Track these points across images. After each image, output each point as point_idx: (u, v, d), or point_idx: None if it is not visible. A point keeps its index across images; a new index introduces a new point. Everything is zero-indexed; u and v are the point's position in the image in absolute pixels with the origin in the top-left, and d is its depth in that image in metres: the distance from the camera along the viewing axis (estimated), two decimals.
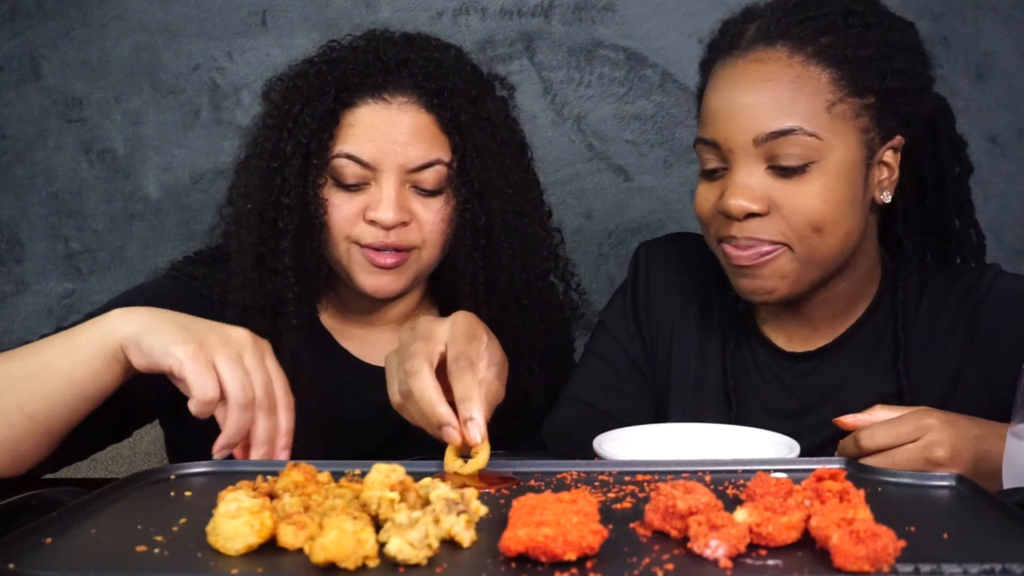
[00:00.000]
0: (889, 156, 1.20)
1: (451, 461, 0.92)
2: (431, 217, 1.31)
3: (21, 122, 2.07)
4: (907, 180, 1.26)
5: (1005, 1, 1.95)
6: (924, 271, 1.28)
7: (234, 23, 2.04)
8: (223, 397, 1.00)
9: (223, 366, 1.00)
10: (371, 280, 1.31)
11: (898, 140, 1.20)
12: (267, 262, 1.30)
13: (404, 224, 1.29)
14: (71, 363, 1.06)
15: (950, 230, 1.29)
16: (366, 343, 1.42)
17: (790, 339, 1.30)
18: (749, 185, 1.14)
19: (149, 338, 1.03)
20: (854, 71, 1.15)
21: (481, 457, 0.90)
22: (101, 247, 2.08)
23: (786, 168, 1.13)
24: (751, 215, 1.15)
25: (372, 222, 1.28)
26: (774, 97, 1.14)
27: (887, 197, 1.21)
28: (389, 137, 1.28)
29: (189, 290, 1.35)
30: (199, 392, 0.99)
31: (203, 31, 2.04)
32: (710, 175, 1.21)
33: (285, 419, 1.03)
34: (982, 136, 1.97)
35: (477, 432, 0.90)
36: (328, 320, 1.42)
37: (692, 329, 1.35)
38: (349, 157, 1.27)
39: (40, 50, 2.06)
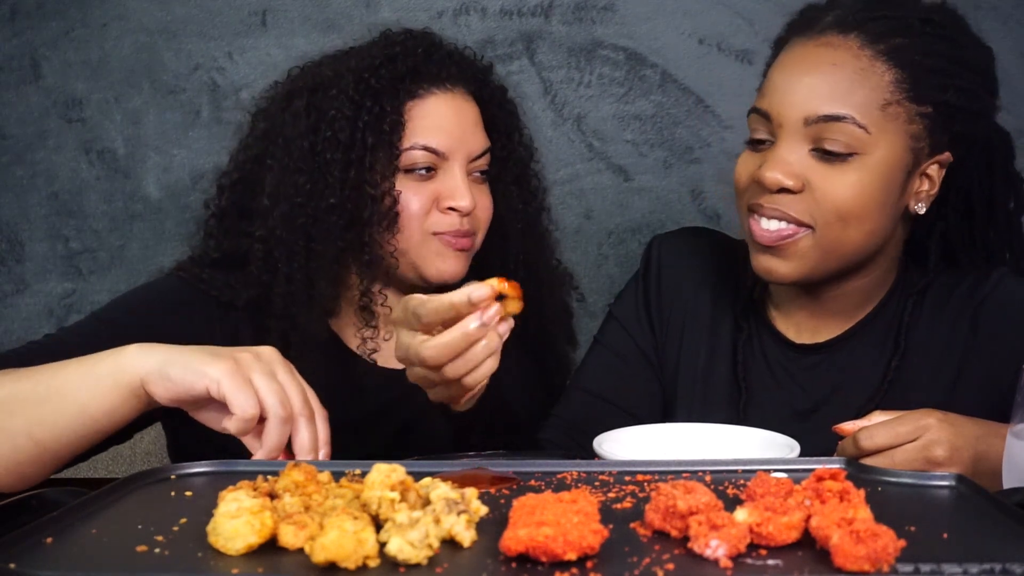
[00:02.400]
0: (933, 170, 1.21)
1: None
2: (484, 203, 1.38)
3: (21, 122, 2.07)
4: (954, 201, 1.26)
5: (1005, 1, 1.95)
6: (930, 273, 1.28)
7: (234, 23, 2.04)
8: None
9: (260, 382, 0.99)
10: (446, 265, 1.34)
11: (946, 156, 1.21)
12: (344, 258, 1.32)
13: (473, 209, 1.34)
14: (86, 396, 1.04)
15: (997, 257, 1.29)
16: (372, 344, 1.41)
17: (799, 330, 1.31)
18: (789, 161, 1.17)
19: (176, 368, 1.01)
20: (918, 77, 1.17)
21: (513, 297, 0.96)
22: (101, 247, 2.08)
23: (829, 153, 1.15)
24: (783, 190, 1.17)
25: (449, 210, 1.32)
26: (833, 82, 1.16)
27: (922, 208, 1.22)
28: (458, 125, 1.34)
29: (195, 290, 1.34)
30: (241, 409, 0.98)
31: (203, 31, 2.04)
32: (755, 145, 1.22)
33: (323, 429, 1.03)
34: None
35: (485, 285, 0.95)
36: (335, 321, 1.41)
37: (703, 321, 1.36)
38: (425, 148, 1.32)
39: (40, 50, 2.06)
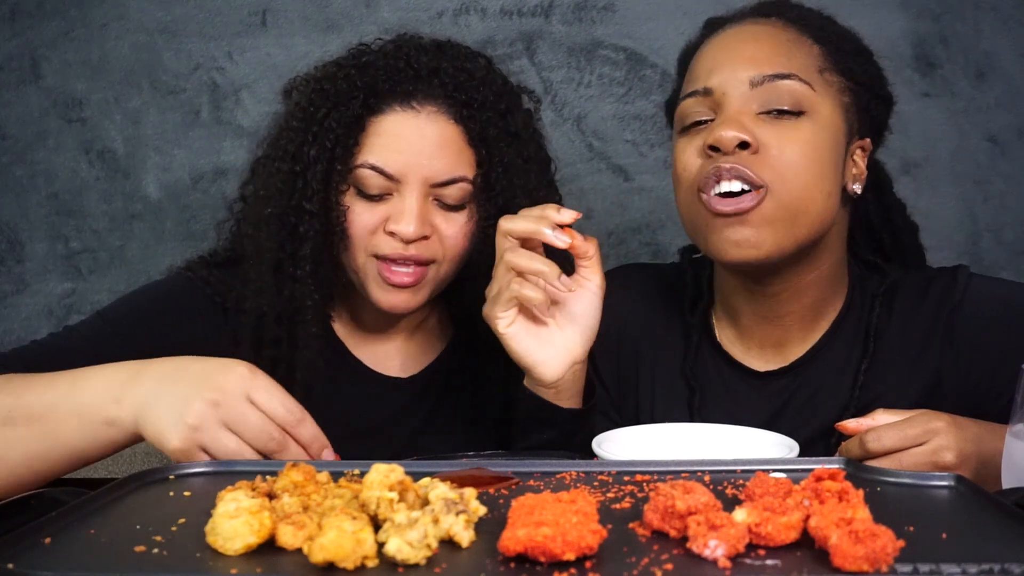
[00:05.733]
0: (859, 155, 1.23)
1: None
2: (452, 231, 1.28)
3: (21, 122, 2.07)
4: (857, 227, 1.31)
5: (1005, 1, 1.95)
6: (891, 275, 1.29)
7: (234, 23, 2.04)
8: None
9: (213, 448, 0.98)
10: (386, 296, 1.28)
11: (867, 143, 1.24)
12: (286, 268, 1.27)
13: (424, 238, 1.26)
14: (83, 443, 1.05)
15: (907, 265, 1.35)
16: (379, 353, 1.41)
17: (763, 353, 1.29)
18: (740, 120, 1.16)
19: (147, 434, 1.02)
20: (839, 53, 1.21)
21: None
22: (101, 247, 2.08)
23: (779, 112, 1.16)
24: (742, 147, 1.14)
25: (392, 234, 1.25)
26: (773, 47, 1.19)
27: (858, 188, 1.23)
28: (415, 148, 1.25)
29: (201, 294, 1.33)
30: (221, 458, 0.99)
31: (203, 31, 2.04)
32: (693, 128, 1.21)
33: (310, 428, 1.02)
34: (982, 136, 1.97)
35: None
36: (341, 330, 1.40)
37: (651, 366, 1.34)
38: (373, 168, 1.24)
39: (40, 50, 2.06)
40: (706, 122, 1.20)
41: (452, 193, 1.27)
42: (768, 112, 1.16)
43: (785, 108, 1.16)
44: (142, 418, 1.02)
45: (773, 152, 1.15)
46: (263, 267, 1.29)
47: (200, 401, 0.99)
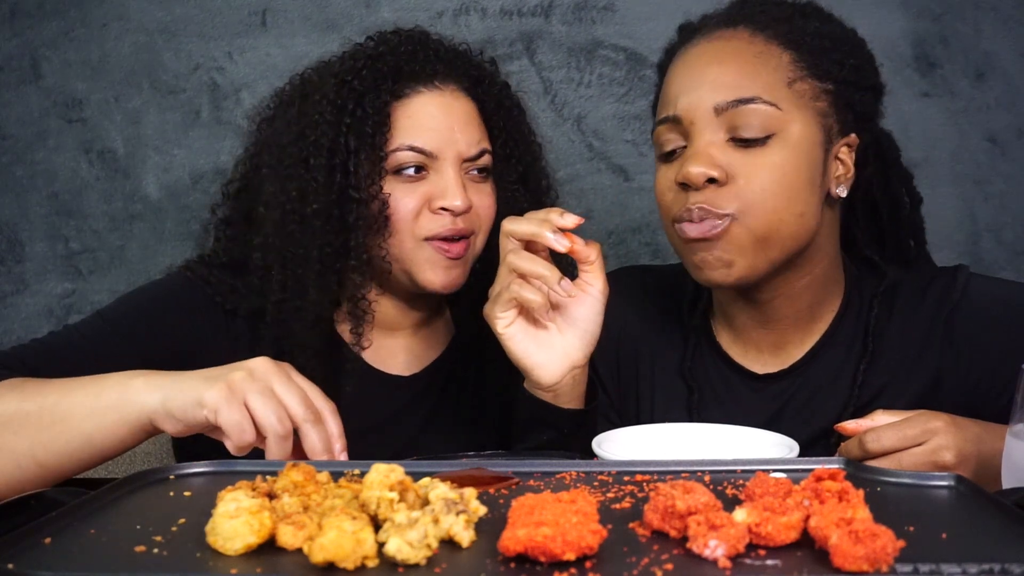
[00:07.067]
0: (845, 152, 1.21)
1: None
2: (486, 202, 1.34)
3: (21, 122, 2.07)
4: (861, 200, 1.29)
5: (1005, 1, 1.95)
6: (890, 275, 1.28)
7: (234, 23, 2.05)
8: (260, 434, 1.00)
9: (255, 402, 1.00)
10: (441, 275, 1.31)
11: (853, 138, 1.22)
12: (330, 263, 1.28)
13: (469, 208, 1.31)
14: (92, 427, 1.05)
15: (906, 252, 1.33)
16: (381, 351, 1.41)
17: (761, 356, 1.29)
18: (710, 152, 1.15)
19: (176, 403, 1.02)
20: (813, 55, 1.18)
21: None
22: (101, 247, 2.08)
23: (746, 140, 1.15)
24: (710, 181, 1.14)
25: (441, 210, 1.29)
26: (736, 68, 1.17)
27: (843, 191, 1.22)
28: (446, 124, 1.30)
29: (201, 294, 1.33)
30: (236, 437, 0.99)
31: (203, 31, 2.05)
32: (669, 157, 1.21)
33: (334, 424, 1.04)
34: (982, 136, 1.97)
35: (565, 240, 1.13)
36: (342, 326, 1.41)
37: (651, 367, 1.34)
38: (411, 148, 1.28)
39: (40, 50, 2.06)
40: (680, 150, 1.19)
41: (480, 164, 1.33)
42: (735, 139, 1.15)
43: (752, 136, 1.15)
44: (168, 399, 1.03)
45: (740, 183, 1.14)
46: (308, 267, 1.29)
47: (235, 372, 1.02)
